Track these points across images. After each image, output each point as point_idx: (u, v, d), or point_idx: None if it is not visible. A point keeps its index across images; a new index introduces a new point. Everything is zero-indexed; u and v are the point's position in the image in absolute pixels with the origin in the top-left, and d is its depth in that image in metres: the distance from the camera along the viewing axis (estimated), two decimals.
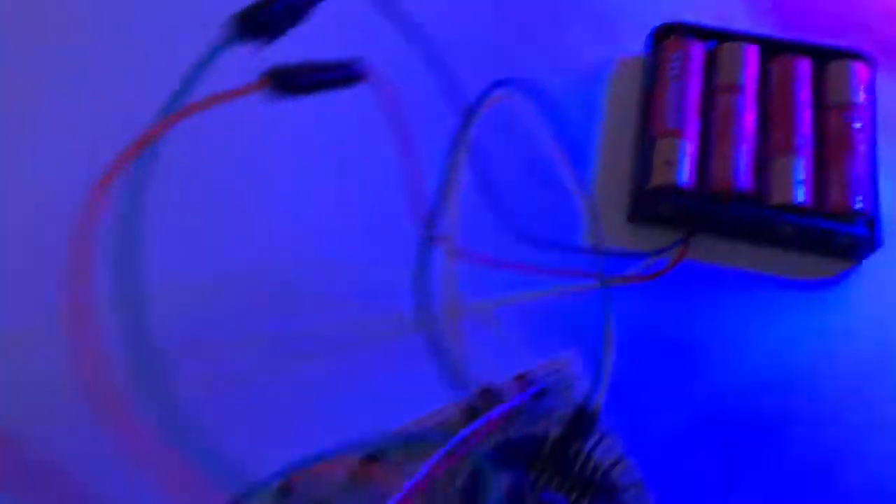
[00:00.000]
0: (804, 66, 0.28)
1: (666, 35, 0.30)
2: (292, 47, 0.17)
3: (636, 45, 0.30)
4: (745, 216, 0.26)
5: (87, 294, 0.13)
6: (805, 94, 0.28)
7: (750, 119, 0.27)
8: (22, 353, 0.17)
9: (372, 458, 0.21)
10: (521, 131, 0.22)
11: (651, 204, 0.26)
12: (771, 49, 0.29)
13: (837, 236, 0.26)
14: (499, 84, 0.20)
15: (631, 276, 0.26)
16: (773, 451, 0.24)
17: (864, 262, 0.27)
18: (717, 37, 0.30)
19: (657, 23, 0.30)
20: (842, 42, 0.30)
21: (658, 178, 0.26)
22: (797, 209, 0.26)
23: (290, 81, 0.16)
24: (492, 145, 0.23)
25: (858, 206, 0.26)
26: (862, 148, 0.27)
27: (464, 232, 0.21)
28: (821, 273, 0.27)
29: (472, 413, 0.22)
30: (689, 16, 0.30)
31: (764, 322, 0.26)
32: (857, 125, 0.27)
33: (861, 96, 0.28)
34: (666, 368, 0.25)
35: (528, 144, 0.23)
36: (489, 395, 0.22)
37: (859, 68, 0.28)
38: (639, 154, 0.27)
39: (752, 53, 0.29)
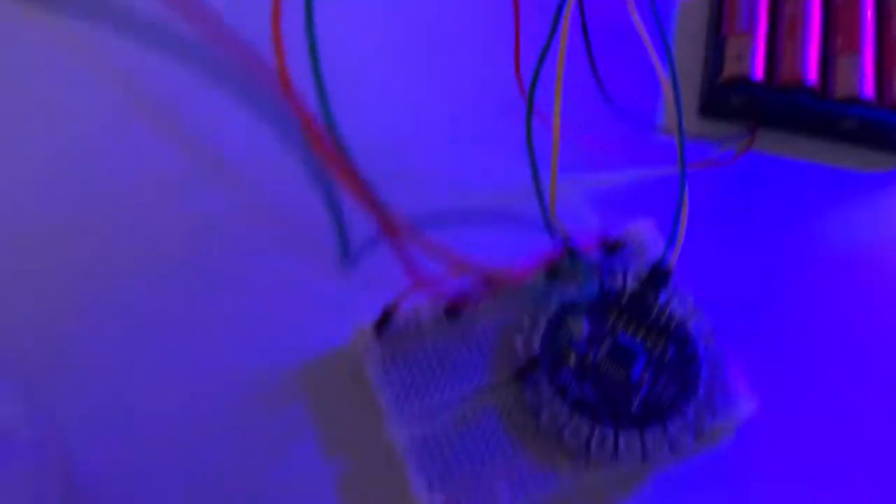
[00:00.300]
0: None
1: None
2: None
3: None
4: (811, 108, 0.28)
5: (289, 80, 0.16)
6: (869, 1, 0.30)
7: (816, 21, 0.29)
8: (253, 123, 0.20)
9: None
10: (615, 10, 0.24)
11: (722, 96, 0.28)
12: None
13: None
14: None
15: (704, 162, 0.28)
16: (834, 317, 0.26)
17: None
18: None
19: None
20: None
21: (730, 71, 0.28)
22: (860, 102, 0.28)
23: None
24: (589, 19, 0.25)
25: None
26: None
27: (563, 107, 0.23)
28: (879, 166, 0.29)
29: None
30: None
31: (824, 208, 0.28)
32: None
33: None
34: (733, 244, 0.27)
35: (620, 26, 0.25)
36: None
37: None
38: (710, 54, 0.29)
39: None
